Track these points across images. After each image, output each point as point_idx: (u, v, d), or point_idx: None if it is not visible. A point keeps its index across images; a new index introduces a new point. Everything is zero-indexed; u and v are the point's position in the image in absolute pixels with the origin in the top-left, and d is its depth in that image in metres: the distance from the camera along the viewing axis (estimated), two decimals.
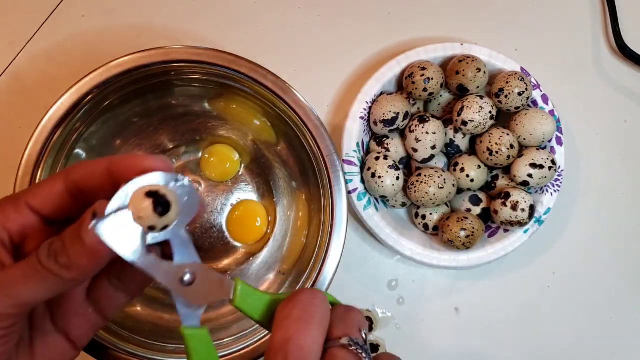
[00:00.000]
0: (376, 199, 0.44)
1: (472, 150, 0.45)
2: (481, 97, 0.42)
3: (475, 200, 0.44)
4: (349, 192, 0.41)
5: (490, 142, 0.42)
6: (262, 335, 0.36)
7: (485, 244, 0.43)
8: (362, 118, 0.43)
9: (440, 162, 0.44)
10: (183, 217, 0.23)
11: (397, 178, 0.41)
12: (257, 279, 0.43)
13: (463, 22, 0.50)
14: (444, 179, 0.41)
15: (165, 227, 0.22)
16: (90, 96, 0.35)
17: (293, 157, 0.43)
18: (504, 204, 0.41)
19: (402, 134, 0.44)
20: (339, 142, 0.43)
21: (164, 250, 0.24)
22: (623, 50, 0.50)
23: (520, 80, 0.42)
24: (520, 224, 0.41)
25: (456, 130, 0.43)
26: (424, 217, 0.44)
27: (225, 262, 0.44)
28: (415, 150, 0.42)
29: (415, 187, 0.41)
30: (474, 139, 0.44)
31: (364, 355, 0.22)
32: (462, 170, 0.43)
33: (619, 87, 0.51)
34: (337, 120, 0.48)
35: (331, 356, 0.22)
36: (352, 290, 0.46)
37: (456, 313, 0.46)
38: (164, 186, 0.22)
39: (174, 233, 0.23)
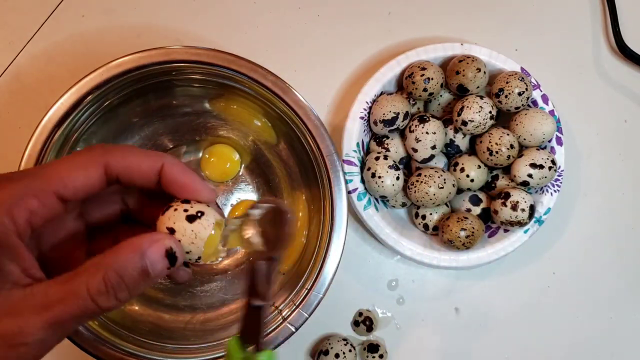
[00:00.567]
0: (376, 199, 0.44)
1: (472, 150, 0.45)
2: (481, 97, 0.42)
3: (475, 200, 0.44)
4: (349, 192, 0.41)
5: (490, 142, 0.42)
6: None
7: (485, 244, 0.43)
8: (362, 118, 0.43)
9: (440, 162, 0.44)
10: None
11: (397, 178, 0.41)
12: None
13: (463, 22, 0.50)
14: (444, 179, 0.41)
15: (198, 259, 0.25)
16: (90, 96, 0.35)
17: (293, 157, 0.43)
18: (504, 204, 0.41)
19: (402, 134, 0.44)
20: (339, 142, 0.43)
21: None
22: (623, 50, 0.50)
23: (520, 80, 0.42)
24: (520, 224, 0.41)
25: (456, 130, 0.43)
26: (424, 217, 0.44)
27: (225, 262, 0.44)
28: (415, 150, 0.42)
29: (415, 187, 0.41)
30: (474, 139, 0.44)
31: None
32: (462, 170, 0.43)
33: (619, 87, 0.51)
34: (337, 120, 0.48)
35: None
36: (352, 290, 0.46)
37: (456, 313, 0.46)
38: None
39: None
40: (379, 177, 0.41)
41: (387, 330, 0.45)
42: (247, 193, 0.45)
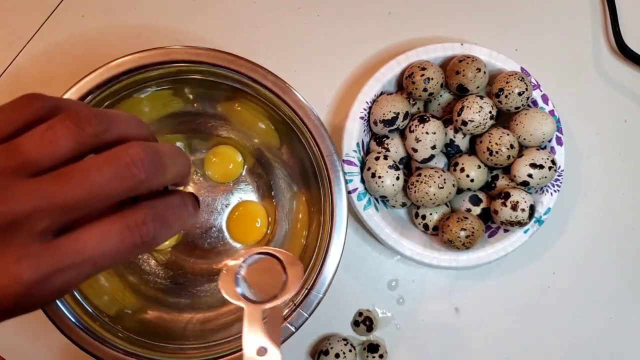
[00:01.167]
0: (376, 199, 0.44)
1: (472, 150, 0.45)
2: (481, 97, 0.42)
3: (475, 200, 0.44)
4: (349, 192, 0.41)
5: (490, 142, 0.42)
6: None
7: (485, 244, 0.43)
8: (362, 118, 0.43)
9: (440, 162, 0.44)
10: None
11: (397, 178, 0.41)
12: None
13: (463, 22, 0.50)
14: (444, 179, 0.41)
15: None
16: (90, 96, 0.35)
17: (293, 158, 0.43)
18: (504, 204, 0.41)
19: (402, 134, 0.44)
20: (339, 142, 0.43)
21: None
22: (623, 50, 0.50)
23: (520, 80, 0.42)
24: (520, 224, 0.41)
25: (456, 130, 0.43)
26: (424, 217, 0.44)
27: (225, 262, 0.44)
28: (415, 150, 0.42)
29: (415, 187, 0.41)
30: (474, 139, 0.44)
31: None
32: (462, 170, 0.43)
33: (619, 87, 0.51)
34: (337, 120, 0.48)
35: None
36: (352, 290, 0.46)
37: (456, 313, 0.46)
38: None
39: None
40: (379, 177, 0.41)
41: (387, 330, 0.45)
42: (247, 193, 0.45)
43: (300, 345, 0.45)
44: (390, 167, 0.41)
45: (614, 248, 0.48)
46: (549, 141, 0.43)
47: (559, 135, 0.44)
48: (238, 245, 0.45)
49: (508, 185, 0.43)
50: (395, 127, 0.42)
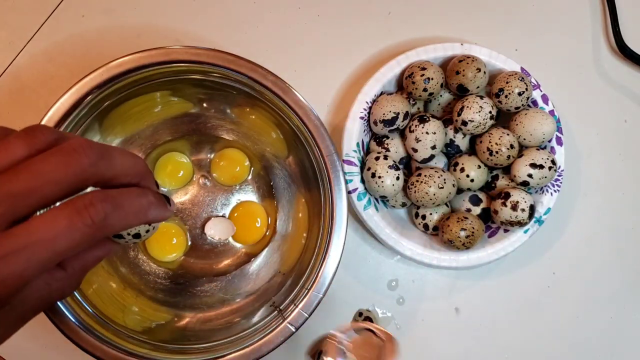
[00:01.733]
0: (376, 199, 0.44)
1: (472, 150, 0.45)
2: (481, 97, 0.42)
3: (475, 200, 0.44)
4: (349, 192, 0.41)
5: (490, 142, 0.42)
6: (262, 336, 0.36)
7: (485, 244, 0.43)
8: (362, 118, 0.43)
9: (440, 162, 0.44)
10: None
11: (397, 178, 0.41)
12: (257, 279, 0.43)
13: (463, 22, 0.50)
14: (444, 179, 0.41)
15: None
16: (90, 96, 0.35)
17: (293, 158, 0.43)
18: (504, 204, 0.41)
19: (402, 134, 0.44)
20: (339, 142, 0.43)
21: None
22: (623, 50, 0.50)
23: (520, 80, 0.42)
24: (520, 224, 0.41)
25: (456, 130, 0.43)
26: (424, 217, 0.44)
27: (225, 262, 0.44)
28: (415, 150, 0.42)
29: (415, 187, 0.41)
30: (474, 139, 0.44)
31: None
32: (462, 170, 0.43)
33: (619, 87, 0.51)
34: (337, 120, 0.48)
35: None
36: (352, 290, 0.46)
37: (456, 313, 0.46)
38: None
39: None
40: (379, 177, 0.41)
41: (387, 330, 0.45)
42: (247, 193, 0.45)
43: (300, 345, 0.45)
44: (390, 167, 0.41)
45: (614, 248, 0.48)
46: (549, 141, 0.43)
47: (559, 135, 0.44)
48: (238, 245, 0.45)
49: (508, 185, 0.43)
50: (395, 127, 0.42)
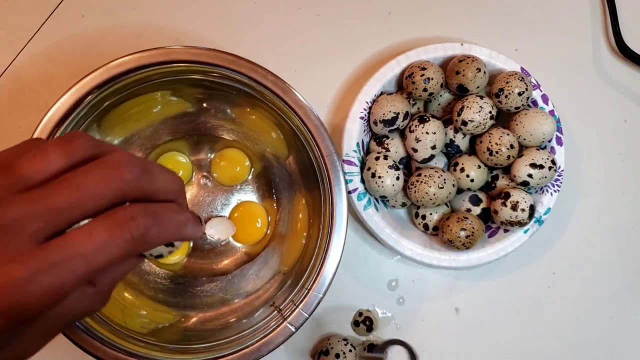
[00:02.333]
0: (376, 199, 0.44)
1: (472, 150, 0.45)
2: (481, 97, 0.42)
3: (475, 200, 0.44)
4: (349, 192, 0.41)
5: (490, 142, 0.42)
6: (262, 336, 0.36)
7: (485, 244, 0.43)
8: (362, 118, 0.43)
9: (440, 162, 0.44)
10: None
11: (397, 178, 0.41)
12: (257, 279, 0.43)
13: (463, 22, 0.50)
14: (444, 179, 0.41)
15: None
16: (90, 96, 0.35)
17: (293, 158, 0.43)
18: (504, 204, 0.41)
19: (402, 134, 0.44)
20: (339, 142, 0.43)
21: None
22: (623, 50, 0.50)
23: (520, 80, 0.42)
24: (520, 224, 0.41)
25: (456, 130, 0.43)
26: (424, 217, 0.44)
27: (225, 262, 0.44)
28: (415, 150, 0.42)
29: (415, 187, 0.41)
30: (474, 139, 0.44)
31: None
32: (462, 170, 0.43)
33: (619, 87, 0.51)
34: (337, 120, 0.48)
35: None
36: (352, 290, 0.46)
37: (456, 313, 0.46)
38: None
39: None
40: (379, 177, 0.41)
41: (387, 330, 0.45)
42: (247, 193, 0.45)
43: (300, 345, 0.45)
44: (390, 167, 0.41)
45: (614, 248, 0.48)
46: (549, 141, 0.43)
47: (559, 135, 0.44)
48: (238, 245, 0.45)
49: (508, 185, 0.43)
50: (395, 127, 0.42)
